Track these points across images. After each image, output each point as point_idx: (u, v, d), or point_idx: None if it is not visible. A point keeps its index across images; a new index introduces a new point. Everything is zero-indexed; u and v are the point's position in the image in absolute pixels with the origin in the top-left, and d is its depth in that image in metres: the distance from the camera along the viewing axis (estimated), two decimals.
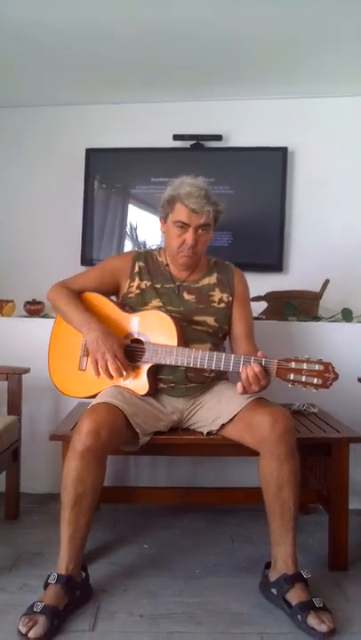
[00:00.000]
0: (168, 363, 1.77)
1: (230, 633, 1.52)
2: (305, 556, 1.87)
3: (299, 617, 1.53)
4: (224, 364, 1.71)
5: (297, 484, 1.66)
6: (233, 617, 1.59)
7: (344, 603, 1.68)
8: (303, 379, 1.62)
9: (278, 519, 1.65)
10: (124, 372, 1.80)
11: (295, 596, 1.58)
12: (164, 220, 1.93)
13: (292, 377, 1.64)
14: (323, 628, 1.49)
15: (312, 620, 1.51)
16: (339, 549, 1.88)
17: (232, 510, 2.31)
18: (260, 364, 1.66)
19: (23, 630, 1.45)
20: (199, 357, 1.74)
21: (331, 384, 1.62)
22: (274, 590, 1.64)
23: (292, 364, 1.64)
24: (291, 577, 1.61)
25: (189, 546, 2.04)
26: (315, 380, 1.62)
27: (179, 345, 1.77)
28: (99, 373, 1.80)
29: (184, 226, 1.84)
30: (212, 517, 2.27)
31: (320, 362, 1.63)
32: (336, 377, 1.62)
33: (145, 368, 1.81)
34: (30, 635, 1.44)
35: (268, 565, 1.71)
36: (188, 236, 1.84)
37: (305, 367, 1.63)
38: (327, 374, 1.62)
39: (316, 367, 1.62)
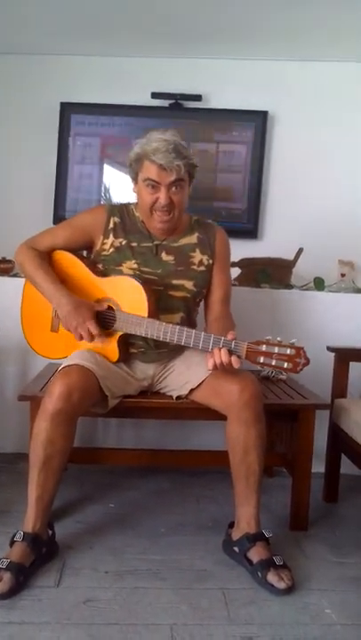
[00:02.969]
0: (137, 334, 1.75)
1: (193, 589, 1.56)
2: (267, 517, 1.93)
3: (259, 574, 1.59)
4: (193, 342, 1.66)
5: (263, 449, 1.68)
6: (196, 573, 1.64)
7: (303, 560, 1.74)
8: (273, 362, 1.58)
9: (243, 482, 1.69)
10: (98, 344, 1.78)
11: (256, 553, 1.63)
12: (134, 180, 1.84)
13: (262, 360, 1.59)
14: (281, 584, 1.55)
15: (272, 577, 1.57)
16: (300, 510, 1.95)
17: (198, 472, 2.35)
18: (230, 350, 1.60)
19: None
20: (169, 332, 1.69)
21: (301, 369, 1.59)
22: (236, 548, 1.69)
23: (263, 347, 1.58)
24: (253, 536, 1.66)
25: (155, 506, 2.08)
26: (285, 365, 1.58)
27: (150, 316, 1.73)
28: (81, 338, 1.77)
29: (155, 185, 1.75)
30: (179, 479, 2.31)
31: (292, 346, 1.58)
32: (307, 362, 1.58)
33: (116, 336, 1.79)
34: None
35: (231, 525, 1.76)
36: (162, 195, 1.75)
37: (276, 351, 1.58)
38: (298, 359, 1.58)
39: (288, 351, 1.58)
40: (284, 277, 2.68)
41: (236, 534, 1.71)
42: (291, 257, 2.69)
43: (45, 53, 2.88)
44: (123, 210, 1.90)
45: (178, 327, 1.70)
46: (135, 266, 1.83)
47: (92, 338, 1.75)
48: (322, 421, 2.05)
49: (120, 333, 1.78)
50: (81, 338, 1.75)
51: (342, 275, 2.74)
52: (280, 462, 2.17)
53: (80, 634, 1.36)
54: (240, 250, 2.64)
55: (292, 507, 1.96)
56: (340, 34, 2.61)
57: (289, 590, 1.55)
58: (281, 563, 1.62)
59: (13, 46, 2.84)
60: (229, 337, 1.62)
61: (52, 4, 2.42)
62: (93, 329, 1.73)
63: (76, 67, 2.91)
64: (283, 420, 2.08)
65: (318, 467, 2.08)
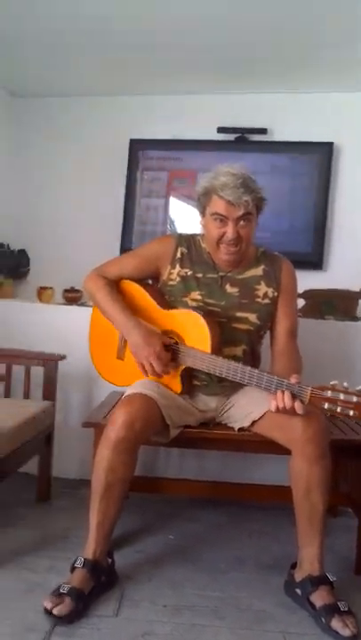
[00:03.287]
0: (200, 368, 1.75)
1: (253, 629, 1.52)
2: (332, 559, 1.84)
3: (323, 619, 1.52)
4: (256, 382, 1.63)
5: (327, 487, 1.62)
6: (256, 614, 1.59)
7: None
8: (338, 409, 1.52)
9: (306, 520, 1.63)
10: (170, 371, 1.78)
11: (320, 597, 1.56)
12: (202, 213, 1.85)
13: (326, 406, 1.53)
14: (346, 632, 1.48)
15: (336, 624, 1.49)
16: None
17: (258, 507, 2.29)
18: (293, 393, 1.56)
19: (49, 606, 1.48)
20: (231, 370, 1.68)
21: None
22: (298, 590, 1.62)
23: (328, 393, 1.52)
24: (316, 578, 1.59)
25: (215, 540, 2.04)
26: (351, 412, 1.51)
27: (213, 351, 1.72)
28: (147, 373, 1.78)
29: (223, 219, 1.75)
30: (239, 513, 2.27)
31: (359, 393, 1.50)
32: None
33: (179, 369, 1.80)
34: (55, 612, 1.47)
35: (294, 565, 1.70)
36: (229, 230, 1.75)
37: (342, 397, 1.52)
38: None
39: (354, 399, 1.50)
40: (350, 309, 2.62)
41: (298, 575, 1.65)
42: (357, 288, 2.63)
43: (117, 94, 3.04)
44: (190, 240, 1.92)
45: (240, 366, 1.67)
46: (200, 297, 1.84)
47: (162, 368, 1.74)
48: None
49: (183, 367, 1.79)
50: (153, 370, 1.75)
51: None
52: (345, 502, 2.09)
53: None
54: (305, 281, 2.61)
55: (358, 549, 1.87)
56: None
57: (354, 638, 1.47)
58: (346, 609, 1.54)
59: (88, 89, 3.02)
60: (293, 380, 1.58)
61: (120, 46, 2.56)
62: (164, 357, 1.74)
63: (146, 105, 3.05)
64: (348, 456, 1.99)
65: None
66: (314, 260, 2.89)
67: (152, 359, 1.73)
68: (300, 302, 2.64)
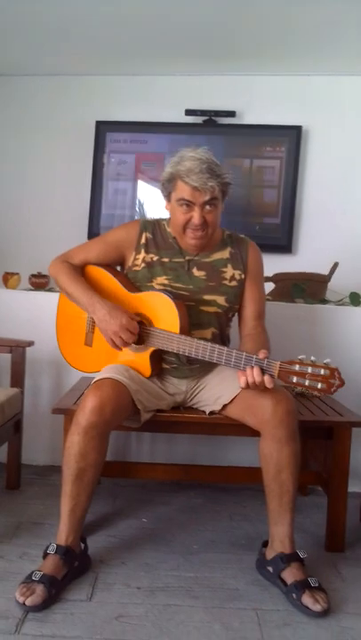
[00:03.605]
0: (169, 349, 1.74)
1: (226, 608, 1.53)
2: (302, 537, 1.89)
3: (294, 595, 1.55)
4: (225, 360, 1.64)
5: (297, 467, 1.65)
6: (229, 592, 1.61)
7: (340, 583, 1.69)
8: (306, 382, 1.55)
9: (277, 500, 1.66)
10: (136, 350, 1.78)
11: (291, 574, 1.59)
12: (167, 198, 1.83)
13: (294, 380, 1.56)
14: (317, 607, 1.51)
15: (307, 599, 1.52)
16: (336, 531, 1.89)
17: (230, 489, 2.32)
18: (262, 369, 1.58)
19: (20, 599, 1.47)
20: (200, 349, 1.68)
21: (335, 390, 1.54)
22: (270, 568, 1.65)
23: (296, 367, 1.55)
24: (287, 556, 1.62)
25: (188, 522, 2.06)
26: (318, 385, 1.54)
27: (181, 331, 1.72)
28: (118, 348, 1.77)
29: (189, 204, 1.74)
30: (211, 495, 2.29)
31: (326, 366, 1.54)
32: (342, 384, 1.54)
33: (148, 351, 1.79)
34: (27, 603, 1.46)
35: (265, 544, 1.73)
36: (195, 215, 1.74)
37: (309, 371, 1.54)
38: (332, 380, 1.53)
39: (322, 372, 1.54)
40: (318, 292, 2.64)
41: (269, 553, 1.67)
42: (326, 272, 2.66)
43: (82, 74, 2.97)
44: (155, 225, 1.91)
45: (210, 344, 1.68)
46: (166, 281, 1.83)
47: (130, 337, 1.73)
48: (358, 439, 2.00)
49: (152, 349, 1.78)
50: (123, 343, 1.74)
51: None
52: (315, 481, 2.12)
53: None
54: (274, 264, 2.64)
55: (328, 527, 1.91)
56: None
57: (325, 613, 1.51)
58: (316, 584, 1.57)
59: (51, 67, 2.94)
60: (261, 355, 1.59)
61: (88, 27, 2.50)
62: (132, 327, 1.73)
63: (112, 86, 3.00)
64: (318, 437, 2.03)
65: (354, 486, 2.03)
66: (283, 243, 2.91)
67: (121, 331, 1.72)
68: (271, 286, 2.66)
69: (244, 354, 1.62)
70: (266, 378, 1.57)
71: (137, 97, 2.98)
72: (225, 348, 1.66)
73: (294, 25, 2.44)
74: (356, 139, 2.90)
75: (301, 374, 1.55)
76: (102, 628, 1.42)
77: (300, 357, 1.56)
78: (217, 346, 1.67)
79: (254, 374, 1.57)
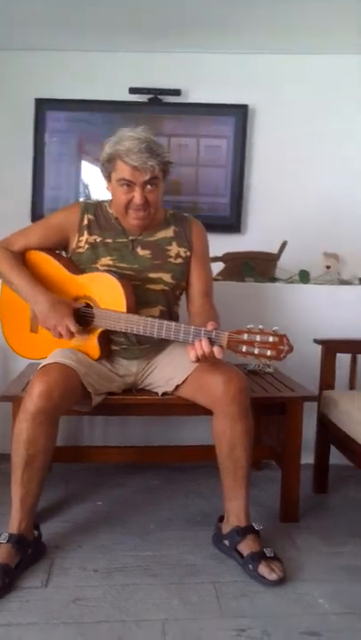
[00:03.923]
0: (117, 329, 1.72)
1: (184, 583, 1.54)
2: (257, 510, 1.91)
3: (250, 566, 1.57)
4: (174, 334, 1.63)
5: (250, 443, 1.67)
6: (187, 568, 1.62)
7: (294, 552, 1.73)
8: (256, 351, 1.54)
9: (231, 476, 1.67)
10: (78, 341, 1.75)
11: (247, 546, 1.62)
12: (107, 179, 1.81)
13: (244, 349, 1.55)
14: (273, 576, 1.54)
15: (263, 569, 1.55)
16: (290, 502, 1.94)
17: (186, 468, 2.33)
18: (211, 340, 1.57)
19: None
20: (148, 326, 1.66)
21: (284, 356, 1.54)
22: (226, 542, 1.67)
23: (245, 336, 1.54)
24: (243, 529, 1.65)
25: (144, 502, 2.05)
26: (268, 352, 1.53)
27: (128, 310, 1.71)
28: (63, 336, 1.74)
29: (129, 184, 1.72)
30: (166, 475, 2.29)
31: (274, 333, 1.54)
32: (290, 349, 1.54)
33: (96, 333, 1.77)
34: None
35: (221, 519, 1.74)
36: (136, 195, 1.72)
37: (258, 339, 1.54)
38: (281, 346, 1.53)
39: (270, 339, 1.54)
40: (268, 271, 2.67)
41: (225, 528, 1.69)
42: (275, 250, 2.69)
43: (20, 48, 2.85)
44: (97, 207, 1.89)
45: (157, 320, 1.67)
46: (111, 262, 1.81)
47: (70, 335, 1.72)
48: (310, 413, 2.05)
49: (100, 330, 1.76)
50: (60, 336, 1.73)
51: (327, 267, 2.75)
52: (269, 455, 2.16)
53: (69, 633, 1.33)
54: (223, 244, 2.64)
55: (283, 499, 1.95)
56: (319, 27, 2.62)
57: (281, 582, 1.54)
58: (272, 555, 1.60)
59: None
60: (210, 327, 1.59)
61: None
62: (72, 326, 1.71)
63: (52, 62, 2.89)
64: (271, 413, 2.06)
65: (307, 458, 2.08)
66: (232, 223, 2.91)
67: (60, 327, 1.70)
68: (220, 265, 2.67)
69: (193, 327, 1.61)
70: (215, 349, 1.56)
71: (79, 74, 2.88)
72: (173, 323, 1.65)
73: (241, 3, 2.41)
74: (301, 117, 2.92)
75: (250, 343, 1.54)
76: (59, 613, 1.40)
77: (248, 326, 1.56)
78: (165, 321, 1.66)
79: (203, 345, 1.56)
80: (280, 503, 1.95)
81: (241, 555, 1.62)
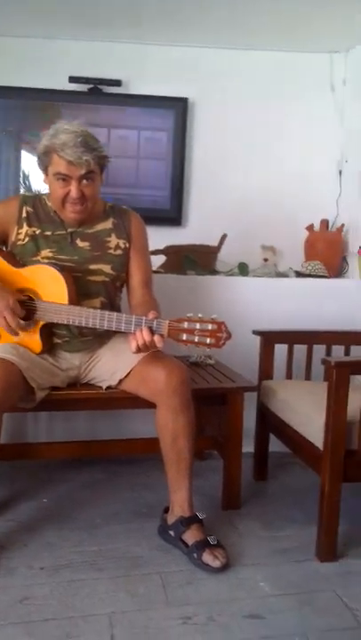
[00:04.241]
0: (59, 321, 1.72)
1: (131, 575, 1.58)
2: (201, 499, 1.96)
3: (195, 555, 1.63)
4: (115, 325, 1.65)
5: (192, 434, 1.71)
6: (133, 560, 1.65)
7: (237, 538, 1.80)
8: (196, 339, 1.58)
9: (175, 467, 1.71)
10: (19, 332, 1.72)
11: (191, 536, 1.67)
12: (44, 172, 1.79)
13: (184, 337, 1.58)
14: (216, 563, 1.60)
15: (207, 557, 1.61)
16: (232, 490, 2.00)
17: (131, 461, 2.36)
18: (152, 329, 1.59)
19: None
20: (90, 317, 1.68)
21: (223, 343, 1.59)
22: (172, 532, 1.72)
23: (185, 325, 1.58)
24: (187, 519, 1.69)
25: (90, 497, 2.07)
26: (207, 340, 1.58)
27: (70, 302, 1.71)
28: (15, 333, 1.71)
29: (65, 178, 1.72)
30: (113, 469, 2.31)
31: (213, 321, 1.58)
32: (229, 336, 1.59)
33: (38, 326, 1.76)
34: None
35: (166, 510, 1.78)
36: (73, 189, 1.72)
37: (198, 327, 1.58)
38: (220, 334, 1.58)
39: (209, 327, 1.58)
40: (209, 263, 2.72)
41: (170, 519, 1.74)
42: (215, 243, 2.74)
43: None
44: (35, 200, 1.87)
45: (99, 311, 1.69)
46: (50, 254, 1.81)
47: (9, 329, 1.69)
48: (250, 403, 2.11)
49: (42, 323, 1.75)
50: (7, 325, 1.68)
51: (265, 259, 2.82)
52: (211, 445, 2.22)
53: (18, 633, 1.33)
54: (165, 237, 2.67)
55: (225, 487, 2.02)
56: (258, 23, 2.66)
57: (224, 568, 1.60)
58: (215, 542, 1.66)
59: None
60: (150, 316, 1.61)
61: None
62: (18, 310, 1.68)
63: None
64: (212, 403, 2.11)
65: (248, 447, 2.15)
66: (173, 215, 2.93)
67: (6, 313, 1.66)
68: (162, 258, 2.69)
69: (134, 316, 1.64)
70: (156, 337, 1.59)
71: (18, 61, 2.79)
72: (115, 314, 1.67)
73: None
74: (239, 111, 2.96)
75: (190, 331, 1.58)
76: (7, 614, 1.40)
77: (188, 315, 1.60)
78: (106, 312, 1.68)
79: (144, 335, 1.58)
80: (222, 491, 2.02)
81: (186, 544, 1.67)
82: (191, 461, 1.73)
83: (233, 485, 2.00)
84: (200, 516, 1.71)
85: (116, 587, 1.52)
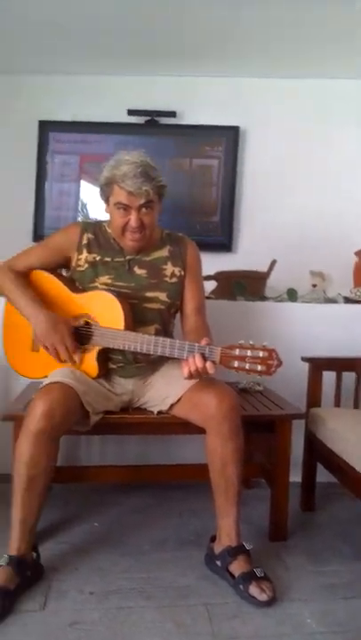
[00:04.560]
0: (114, 347, 1.78)
1: (177, 605, 1.59)
2: (248, 528, 1.96)
3: (241, 587, 1.62)
4: (169, 351, 1.69)
5: (241, 461, 1.71)
6: (180, 590, 1.67)
7: (283, 571, 1.79)
8: (247, 366, 1.60)
9: (223, 494, 1.72)
10: (76, 360, 1.80)
11: (238, 567, 1.67)
12: (106, 202, 1.87)
13: (236, 364, 1.61)
14: (263, 597, 1.59)
15: (253, 590, 1.60)
16: (279, 521, 1.99)
17: (180, 486, 2.37)
18: (204, 356, 1.63)
19: None
20: (145, 343, 1.73)
21: (274, 371, 1.61)
22: (218, 562, 1.72)
23: (236, 352, 1.60)
24: (234, 549, 1.69)
25: (139, 522, 2.10)
26: (258, 367, 1.60)
27: (126, 328, 1.77)
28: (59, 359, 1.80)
29: (125, 208, 1.78)
30: (161, 494, 2.33)
31: (264, 348, 1.60)
32: (280, 364, 1.61)
33: (94, 351, 1.82)
34: None
35: (213, 539, 1.79)
36: (132, 218, 1.78)
37: (249, 354, 1.60)
38: (271, 361, 1.60)
39: (260, 354, 1.61)
40: (258, 289, 2.73)
41: (217, 548, 1.74)
42: (265, 269, 2.75)
43: (23, 72, 2.90)
44: (96, 227, 1.94)
45: (153, 337, 1.73)
46: (109, 281, 1.87)
47: (69, 355, 1.77)
48: (298, 431, 2.10)
49: (98, 348, 1.81)
50: (57, 355, 1.78)
51: (314, 285, 2.81)
52: (259, 473, 2.21)
53: None
54: (215, 263, 2.70)
55: (272, 518, 2.00)
56: (306, 52, 2.69)
57: (271, 602, 1.59)
58: (262, 575, 1.65)
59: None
60: (203, 343, 1.64)
61: (29, 23, 2.44)
62: (70, 345, 1.77)
63: (54, 85, 2.94)
64: (260, 431, 2.10)
65: (295, 476, 2.13)
66: (224, 242, 2.97)
67: (58, 346, 1.75)
68: (213, 284, 2.72)
69: (187, 343, 1.68)
70: (208, 364, 1.62)
71: (80, 97, 2.94)
72: (168, 340, 1.71)
73: (233, 28, 2.48)
74: (289, 138, 2.98)
75: (242, 358, 1.61)
76: (57, 637, 1.44)
77: (239, 342, 1.62)
78: (160, 338, 1.72)
79: (196, 361, 1.62)
80: (269, 522, 2.01)
81: (232, 575, 1.67)
82: (239, 489, 1.73)
83: (280, 516, 1.99)
84: (247, 546, 1.71)
85: (163, 616, 1.54)
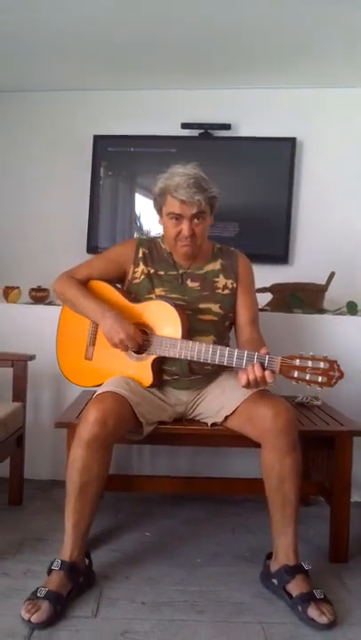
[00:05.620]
0: (172, 355, 1.77)
1: (232, 622, 1.53)
2: (306, 548, 1.88)
3: (299, 608, 1.55)
4: (227, 359, 1.68)
5: (298, 477, 1.66)
6: (234, 606, 1.61)
7: (344, 594, 1.69)
8: (307, 377, 1.57)
9: (280, 511, 1.66)
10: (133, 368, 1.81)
11: (296, 587, 1.59)
12: (159, 213, 1.92)
13: (296, 375, 1.58)
14: (323, 619, 1.51)
15: (312, 612, 1.53)
16: (340, 541, 1.90)
17: (232, 501, 2.32)
18: (263, 365, 1.61)
19: (26, 616, 1.47)
20: (203, 351, 1.72)
21: (335, 382, 1.57)
22: (275, 581, 1.65)
23: (297, 362, 1.58)
24: (292, 568, 1.62)
25: (190, 535, 2.06)
26: (319, 379, 1.57)
27: (183, 337, 1.77)
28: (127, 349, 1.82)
29: (178, 217, 1.82)
30: (213, 507, 2.29)
31: (325, 359, 1.58)
32: (341, 375, 1.57)
33: (150, 360, 1.82)
34: (33, 619, 1.46)
35: (269, 556, 1.73)
36: (184, 227, 1.82)
37: (310, 365, 1.58)
38: (332, 372, 1.57)
39: (321, 365, 1.57)
40: (316, 302, 2.66)
41: (274, 566, 1.68)
42: (323, 281, 2.68)
43: (78, 89, 3.00)
44: (150, 242, 1.99)
45: (211, 346, 1.72)
46: (163, 293, 1.90)
47: (136, 345, 1.79)
48: (357, 448, 2.01)
49: (154, 357, 1.81)
50: (126, 348, 1.80)
51: None
52: (317, 491, 2.13)
53: None
54: (271, 275, 2.66)
55: (332, 538, 1.91)
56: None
57: (331, 625, 1.51)
58: (322, 596, 1.57)
59: (47, 83, 2.97)
60: (263, 352, 1.64)
61: (84, 41, 2.52)
62: (139, 338, 1.79)
63: (108, 100, 3.03)
64: (319, 446, 2.03)
65: (357, 495, 2.04)
66: (280, 254, 2.92)
67: (127, 340, 1.77)
68: (268, 296, 2.68)
69: (246, 352, 1.67)
70: (267, 373, 1.60)
71: (134, 111, 3.00)
72: (227, 348, 1.71)
73: (286, 39, 2.47)
74: (347, 148, 2.93)
75: (302, 369, 1.58)
76: None
77: (300, 353, 1.60)
78: (218, 347, 1.72)
79: (255, 370, 1.61)
80: (329, 542, 1.92)
81: (290, 595, 1.59)
82: (297, 506, 1.67)
83: (340, 536, 1.90)
84: (306, 566, 1.64)
85: (217, 632, 1.48)
